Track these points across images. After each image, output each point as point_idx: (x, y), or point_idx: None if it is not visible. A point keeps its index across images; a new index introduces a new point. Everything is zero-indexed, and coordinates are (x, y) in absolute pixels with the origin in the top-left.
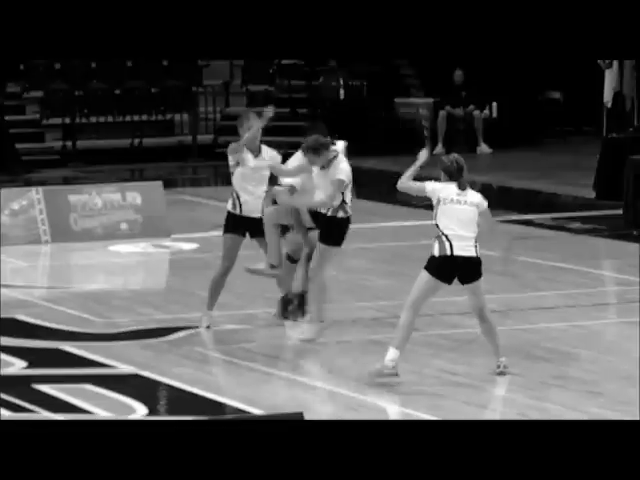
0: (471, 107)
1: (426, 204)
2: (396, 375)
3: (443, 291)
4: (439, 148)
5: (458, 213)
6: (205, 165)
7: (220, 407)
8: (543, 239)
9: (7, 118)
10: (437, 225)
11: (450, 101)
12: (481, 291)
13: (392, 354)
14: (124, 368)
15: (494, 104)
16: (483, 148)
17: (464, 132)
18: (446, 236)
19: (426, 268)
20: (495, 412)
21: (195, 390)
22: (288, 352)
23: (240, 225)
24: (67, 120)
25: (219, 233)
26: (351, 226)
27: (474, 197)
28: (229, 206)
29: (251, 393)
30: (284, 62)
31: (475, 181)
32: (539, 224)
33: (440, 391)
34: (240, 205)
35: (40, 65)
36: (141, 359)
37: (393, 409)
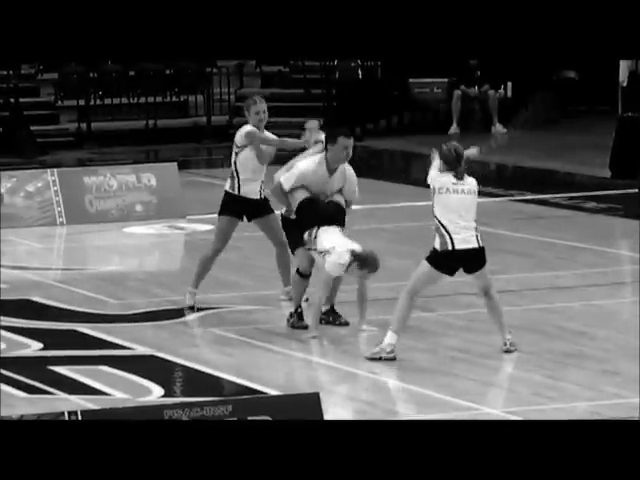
0: (486, 87)
1: None
2: (394, 359)
3: (458, 271)
4: (454, 128)
5: (455, 202)
6: (220, 146)
7: (236, 388)
8: (558, 219)
9: (22, 100)
10: (435, 216)
11: (465, 81)
12: (486, 274)
13: (390, 338)
14: (140, 349)
15: (509, 84)
16: (498, 128)
17: (479, 112)
18: (445, 228)
19: (428, 260)
20: (510, 391)
21: (210, 371)
22: (303, 333)
23: (238, 206)
24: (82, 102)
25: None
26: (367, 206)
27: (472, 184)
28: (227, 187)
29: (267, 374)
30: None
31: (488, 162)
32: (554, 204)
33: (455, 370)
34: (239, 186)
35: None
36: (156, 340)
37: (407, 389)
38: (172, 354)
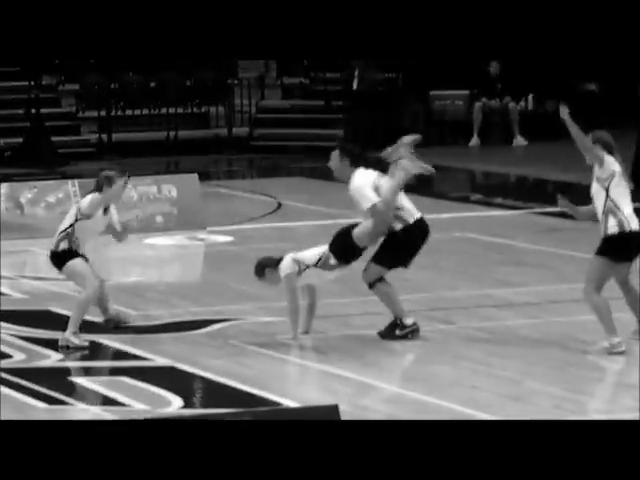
0: (507, 99)
1: (459, 196)
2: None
3: (478, 283)
4: (475, 140)
5: None
6: (240, 157)
7: (255, 399)
8: (579, 231)
9: (43, 111)
10: None
11: (486, 93)
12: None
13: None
14: (160, 360)
15: (530, 96)
16: (519, 140)
17: (500, 124)
18: None
19: None
20: (531, 404)
21: (230, 382)
22: (323, 344)
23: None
24: (103, 113)
25: (254, 226)
26: None
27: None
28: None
29: (286, 385)
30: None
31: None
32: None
33: (476, 383)
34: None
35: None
36: (176, 351)
37: (428, 402)
38: (192, 365)
